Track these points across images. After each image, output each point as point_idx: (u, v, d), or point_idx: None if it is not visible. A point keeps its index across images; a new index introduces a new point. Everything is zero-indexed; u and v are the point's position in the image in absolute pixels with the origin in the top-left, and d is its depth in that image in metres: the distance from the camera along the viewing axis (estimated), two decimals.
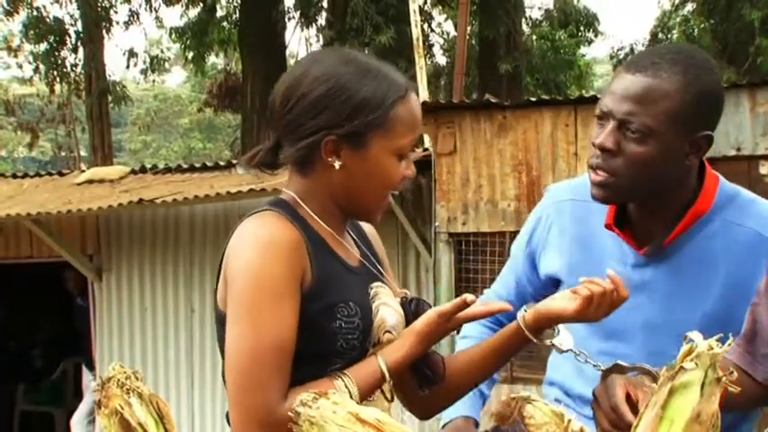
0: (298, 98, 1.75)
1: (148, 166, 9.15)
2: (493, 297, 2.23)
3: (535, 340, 1.81)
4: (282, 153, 1.82)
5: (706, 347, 1.36)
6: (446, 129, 6.72)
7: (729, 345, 1.38)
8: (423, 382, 1.84)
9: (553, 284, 2.13)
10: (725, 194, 1.98)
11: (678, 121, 1.85)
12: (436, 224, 6.77)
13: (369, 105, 1.74)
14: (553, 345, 1.84)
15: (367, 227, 1.97)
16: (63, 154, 22.09)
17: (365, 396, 1.72)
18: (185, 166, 8.87)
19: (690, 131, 1.87)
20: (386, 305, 1.80)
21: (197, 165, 8.79)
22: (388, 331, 1.78)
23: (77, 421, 8.69)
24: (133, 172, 8.82)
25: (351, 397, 1.66)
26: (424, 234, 7.16)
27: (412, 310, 1.82)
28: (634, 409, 1.64)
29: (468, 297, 1.74)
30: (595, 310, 1.74)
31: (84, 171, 9.31)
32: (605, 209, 2.00)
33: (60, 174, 9.34)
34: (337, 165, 1.75)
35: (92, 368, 8.64)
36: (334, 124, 1.73)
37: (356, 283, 1.79)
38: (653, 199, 1.94)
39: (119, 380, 1.33)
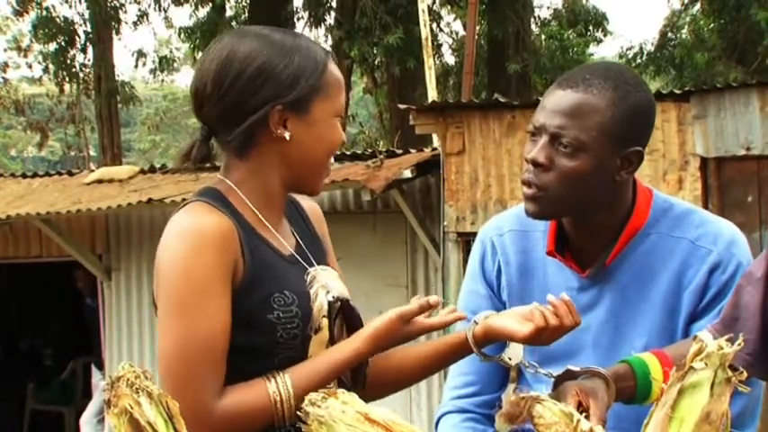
0: (233, 77, 1.71)
1: (157, 165, 9.16)
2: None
3: (481, 358, 1.83)
4: (221, 140, 1.79)
5: (716, 347, 1.36)
6: (455, 128, 6.71)
7: (739, 344, 1.38)
8: (346, 384, 1.79)
9: None
10: (659, 208, 2.00)
11: (608, 135, 1.87)
12: (445, 224, 6.77)
13: (306, 70, 1.73)
14: (501, 360, 1.88)
15: (309, 206, 1.93)
16: (72, 154, 22.13)
17: (305, 394, 1.61)
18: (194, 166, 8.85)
19: (620, 147, 1.89)
20: (326, 287, 1.76)
21: (206, 164, 8.77)
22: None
23: (87, 420, 8.71)
24: (142, 172, 8.83)
25: (286, 398, 1.64)
26: (433, 234, 7.16)
27: (336, 311, 1.77)
28: (586, 416, 1.65)
29: (432, 299, 1.72)
30: (545, 337, 1.76)
31: (93, 171, 9.33)
32: (545, 236, 2.02)
33: (70, 173, 9.36)
34: (287, 135, 1.72)
35: (101, 367, 8.66)
36: (278, 94, 1.71)
37: (291, 271, 1.75)
38: (586, 217, 1.96)
39: (128, 379, 1.33)
